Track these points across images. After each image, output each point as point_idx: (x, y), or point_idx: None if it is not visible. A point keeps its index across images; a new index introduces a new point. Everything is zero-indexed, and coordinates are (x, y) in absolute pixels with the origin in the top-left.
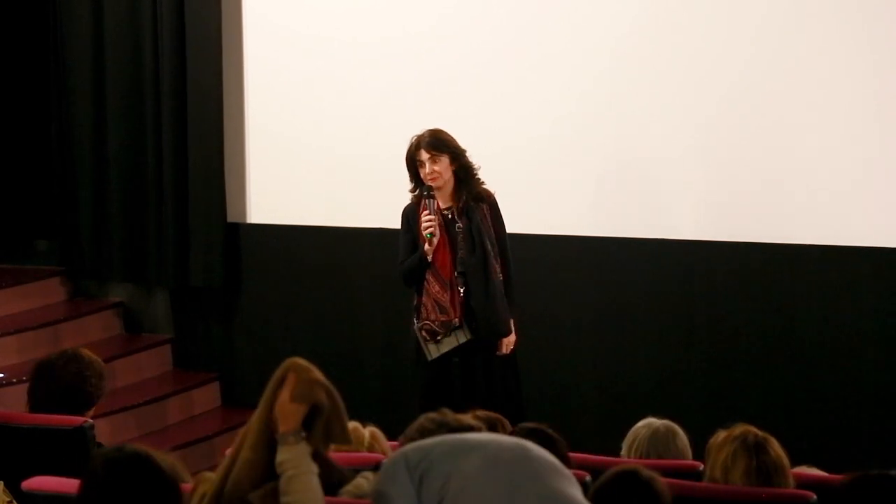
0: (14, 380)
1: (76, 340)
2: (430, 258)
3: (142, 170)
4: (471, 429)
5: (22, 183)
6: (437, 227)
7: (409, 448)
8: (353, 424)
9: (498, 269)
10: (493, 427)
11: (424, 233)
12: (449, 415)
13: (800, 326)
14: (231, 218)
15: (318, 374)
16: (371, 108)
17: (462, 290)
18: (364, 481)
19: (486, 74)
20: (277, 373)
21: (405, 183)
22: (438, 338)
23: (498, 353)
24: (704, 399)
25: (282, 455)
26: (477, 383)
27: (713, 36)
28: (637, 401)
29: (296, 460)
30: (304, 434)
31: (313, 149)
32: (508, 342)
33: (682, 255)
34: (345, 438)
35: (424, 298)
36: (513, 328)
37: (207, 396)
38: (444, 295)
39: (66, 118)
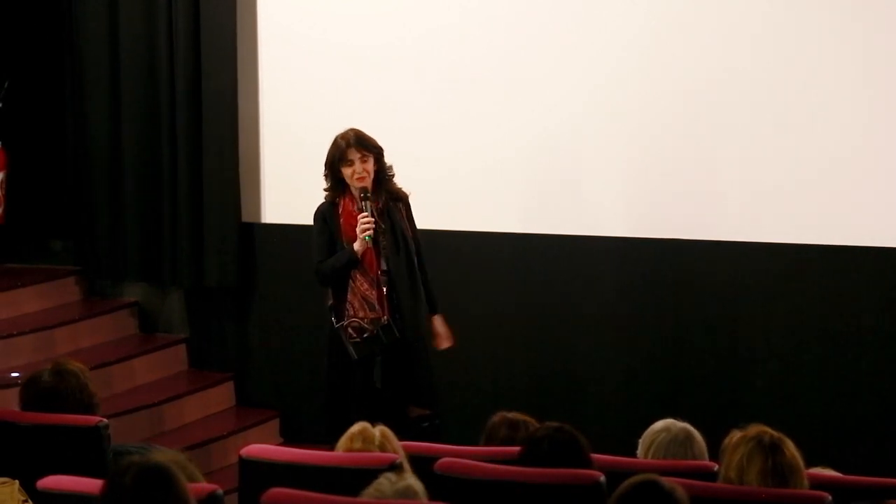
0: None
1: (91, 340)
2: (358, 257)
3: (157, 170)
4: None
5: (37, 183)
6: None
7: None
8: (362, 425)
9: (419, 268)
10: (515, 427)
11: (363, 235)
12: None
13: (803, 326)
14: (245, 218)
15: None
16: (383, 110)
17: (385, 289)
18: (386, 482)
19: (496, 77)
20: None
21: (415, 183)
22: (365, 335)
23: (439, 347)
24: (714, 399)
25: None
26: (398, 380)
27: (712, 37)
28: (653, 400)
29: None
30: None
31: (326, 149)
32: (447, 335)
33: (683, 255)
34: None
35: (350, 297)
36: (441, 321)
37: (222, 396)
38: (372, 293)
39: (81, 118)
